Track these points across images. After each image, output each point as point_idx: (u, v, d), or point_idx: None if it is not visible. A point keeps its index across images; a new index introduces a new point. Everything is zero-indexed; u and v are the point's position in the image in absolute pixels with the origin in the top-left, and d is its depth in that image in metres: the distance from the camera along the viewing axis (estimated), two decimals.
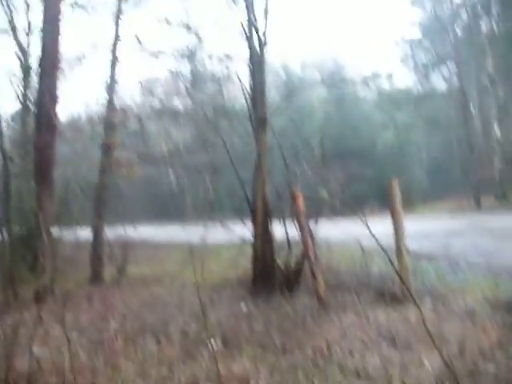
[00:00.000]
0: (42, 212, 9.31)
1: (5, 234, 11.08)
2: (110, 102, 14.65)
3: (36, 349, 5.73)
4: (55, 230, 9.59)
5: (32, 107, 13.64)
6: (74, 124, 14.04)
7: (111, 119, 13.98)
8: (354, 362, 5.98)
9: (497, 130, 35.38)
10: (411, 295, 7.57)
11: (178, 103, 17.28)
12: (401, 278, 8.06)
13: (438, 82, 47.37)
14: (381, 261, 11.61)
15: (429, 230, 18.83)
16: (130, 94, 16.95)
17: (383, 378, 5.37)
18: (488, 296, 8.68)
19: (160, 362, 6.29)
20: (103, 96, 14.82)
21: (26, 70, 19.25)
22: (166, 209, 31.16)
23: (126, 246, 14.10)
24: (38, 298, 8.10)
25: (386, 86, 38.26)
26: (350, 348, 6.56)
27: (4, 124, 14.71)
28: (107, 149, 14.54)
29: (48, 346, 6.42)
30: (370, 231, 6.26)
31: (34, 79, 17.44)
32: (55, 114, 12.24)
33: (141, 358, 6.57)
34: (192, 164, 15.10)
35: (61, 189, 12.44)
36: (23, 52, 19.78)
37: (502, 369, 5.38)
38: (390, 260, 6.83)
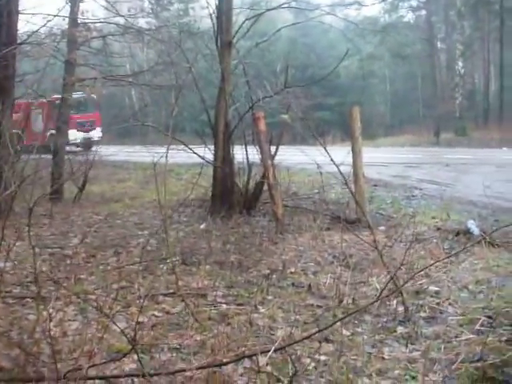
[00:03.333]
0: (1, 128, 9.18)
1: None
2: (73, 18, 14.28)
3: None
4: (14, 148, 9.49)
5: None
6: (35, 39, 13.57)
7: (74, 35, 13.66)
8: (308, 280, 6.24)
9: (461, 65, 35.51)
10: (366, 218, 7.80)
11: (142, 22, 16.98)
12: (357, 202, 8.29)
13: (406, 13, 47.11)
14: (338, 187, 11.91)
15: (388, 160, 19.16)
16: (92, 10, 16.52)
17: (334, 294, 5.62)
18: (438, 223, 9.03)
19: (120, 275, 6.45)
20: (65, 10, 14.40)
21: None
22: (128, 129, 30.94)
23: (87, 164, 14.08)
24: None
25: (353, 14, 37.97)
26: (305, 268, 6.83)
27: None
28: (70, 66, 14.29)
29: (10, 260, 6.51)
30: (330, 157, 6.44)
31: None
32: (15, 28, 11.91)
33: (102, 271, 6.72)
34: (155, 84, 14.89)
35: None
36: None
37: (443, 291, 5.69)
38: (348, 185, 7.06)
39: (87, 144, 29.45)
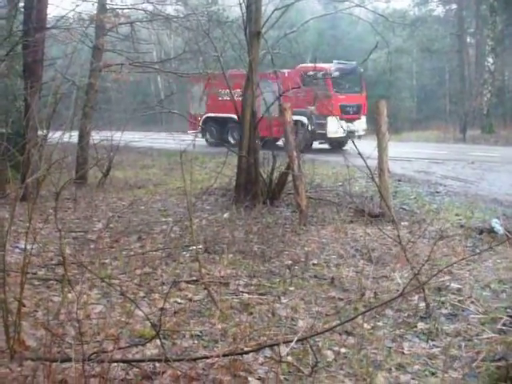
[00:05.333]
0: (29, 112, 9.25)
1: None
2: (102, 3, 14.37)
3: (24, 244, 5.91)
4: (43, 133, 9.59)
5: (20, 5, 13.24)
6: (64, 24, 13.65)
7: (102, 21, 13.75)
8: (330, 273, 6.26)
9: (491, 61, 35.07)
10: (390, 212, 7.80)
11: (170, 9, 17.01)
12: (382, 195, 8.28)
13: (436, 7, 46.59)
14: (362, 181, 11.88)
15: (412, 155, 19.05)
16: None
17: (356, 288, 5.64)
18: (462, 221, 8.98)
19: (144, 261, 6.52)
20: None
21: None
22: (154, 116, 30.98)
23: (112, 150, 14.19)
24: (25, 198, 8.20)
25: (382, 6, 37.65)
26: (327, 260, 6.85)
27: None
28: (98, 52, 14.40)
29: (37, 243, 6.60)
30: (358, 150, 6.44)
31: None
32: (45, 13, 11.99)
33: (125, 257, 6.79)
34: (182, 72, 14.97)
35: (50, 91, 12.32)
36: None
37: (465, 289, 5.67)
38: (373, 178, 7.05)
39: (343, 140, 22.73)
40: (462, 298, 5.36)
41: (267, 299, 5.36)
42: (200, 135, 24.31)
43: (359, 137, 21.94)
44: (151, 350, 4.11)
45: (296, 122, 19.47)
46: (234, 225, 8.45)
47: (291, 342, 3.77)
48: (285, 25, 20.77)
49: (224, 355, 3.77)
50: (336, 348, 4.25)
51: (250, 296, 5.46)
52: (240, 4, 10.81)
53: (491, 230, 7.94)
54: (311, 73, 20.13)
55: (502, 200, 10.94)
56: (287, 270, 6.37)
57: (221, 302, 5.09)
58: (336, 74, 20.80)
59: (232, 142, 22.40)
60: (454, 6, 44.37)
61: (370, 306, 4.92)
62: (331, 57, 32.30)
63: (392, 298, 4.66)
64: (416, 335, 4.59)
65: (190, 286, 5.74)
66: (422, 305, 5.10)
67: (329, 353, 4.18)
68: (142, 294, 5.41)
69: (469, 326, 4.70)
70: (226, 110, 21.07)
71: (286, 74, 20.80)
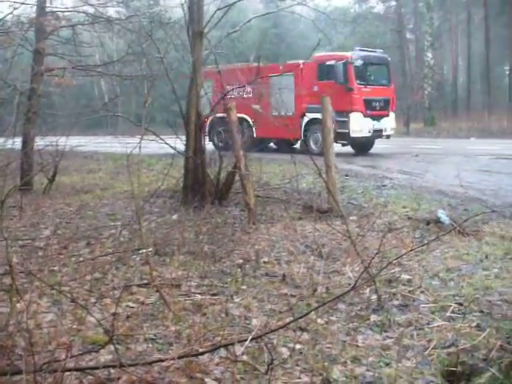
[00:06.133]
0: None
1: None
2: (41, 6, 14.10)
3: None
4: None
5: None
6: (2, 27, 13.35)
7: (42, 24, 13.48)
8: (281, 270, 6.28)
9: (430, 56, 35.80)
10: (338, 208, 7.87)
11: (112, 11, 16.82)
12: (330, 191, 8.35)
13: (376, 4, 47.38)
14: (310, 177, 11.97)
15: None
16: None
17: (308, 283, 5.67)
18: (409, 213, 9.13)
19: (93, 266, 6.42)
20: None
21: None
22: (98, 120, 30.59)
23: (57, 155, 13.95)
24: None
25: (323, 4, 38.10)
26: (278, 257, 6.86)
27: None
28: (39, 56, 14.12)
29: None
30: (303, 147, 6.47)
31: None
32: None
33: (75, 263, 6.68)
34: (126, 75, 14.80)
35: None
36: None
37: (415, 279, 5.77)
38: (321, 175, 7.11)
39: (368, 141, 20.37)
40: (412, 289, 5.46)
41: (220, 299, 5.34)
42: (208, 139, 21.21)
43: (388, 136, 20.57)
44: (105, 356, 4.04)
45: (313, 120, 18.71)
46: (184, 226, 8.39)
47: (246, 340, 3.76)
48: (227, 24, 20.72)
49: (179, 357, 3.73)
50: (291, 345, 4.25)
51: (203, 297, 5.43)
52: (182, 4, 10.76)
53: (438, 221, 8.10)
54: (330, 62, 18.94)
55: (447, 191, 11.18)
56: (238, 269, 6.36)
57: (173, 304, 5.04)
58: (359, 62, 19.01)
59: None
60: (393, 3, 45.25)
61: (322, 301, 4.95)
62: (274, 55, 32.45)
63: (344, 292, 4.70)
64: (369, 327, 4.64)
65: (141, 289, 5.68)
66: (374, 297, 5.16)
67: (284, 350, 4.19)
68: (93, 299, 5.31)
69: (420, 316, 4.79)
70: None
71: (301, 66, 19.74)
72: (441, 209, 8.69)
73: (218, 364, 3.95)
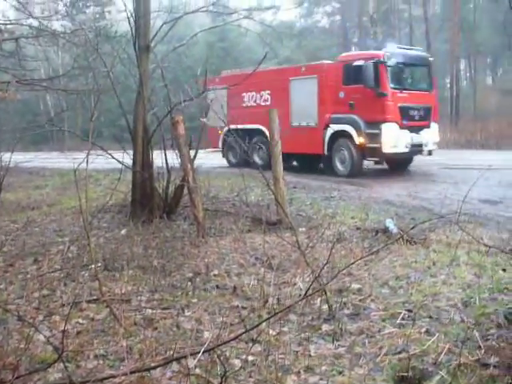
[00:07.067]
0: None
1: None
2: None
3: None
4: None
5: None
6: None
7: None
8: (232, 282, 6.27)
9: None
10: (287, 219, 7.91)
11: (57, 24, 16.59)
12: (279, 203, 8.38)
13: (321, 18, 48.04)
14: (258, 190, 12.01)
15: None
16: (3, 11, 16.07)
17: (259, 295, 5.67)
18: (358, 223, 9.24)
19: (41, 283, 6.31)
20: None
21: None
22: (44, 135, 30.08)
23: (1, 171, 13.65)
24: None
25: (269, 18, 38.43)
26: (228, 270, 6.86)
27: None
28: None
29: None
30: (252, 159, 6.50)
31: None
32: None
33: (22, 280, 6.56)
34: (72, 89, 14.62)
35: None
36: None
37: (365, 288, 5.83)
38: (270, 187, 7.14)
39: (405, 158, 17.36)
40: (362, 297, 5.51)
41: (171, 313, 5.32)
42: (222, 154, 19.51)
43: (429, 152, 17.33)
44: (54, 374, 3.97)
45: (338, 133, 16.79)
46: (133, 241, 8.31)
47: (198, 353, 3.75)
48: (174, 38, 20.69)
49: (131, 372, 3.69)
50: (244, 356, 4.25)
51: (154, 311, 5.39)
52: (128, 18, 10.68)
53: (386, 230, 8.22)
54: (358, 63, 15.95)
55: (394, 201, 11.36)
56: (189, 283, 6.33)
57: (124, 319, 4.98)
58: (394, 62, 15.98)
59: (259, 162, 17.14)
60: (338, 18, 45.91)
61: (273, 312, 4.96)
62: (221, 69, 32.45)
63: (294, 302, 4.72)
64: (321, 337, 4.66)
65: (91, 305, 5.60)
66: (325, 307, 5.19)
67: (237, 361, 4.19)
68: (41, 317, 5.22)
69: (371, 324, 4.84)
70: (250, 119, 17.11)
71: (325, 67, 17.27)
72: (389, 218, 8.81)
73: (170, 378, 3.92)
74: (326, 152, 17.15)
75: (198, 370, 3.95)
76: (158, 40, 10.99)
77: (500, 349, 4.12)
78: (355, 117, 16.18)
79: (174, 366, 4.03)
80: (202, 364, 4.04)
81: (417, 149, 16.57)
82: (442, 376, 3.79)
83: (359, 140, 16.06)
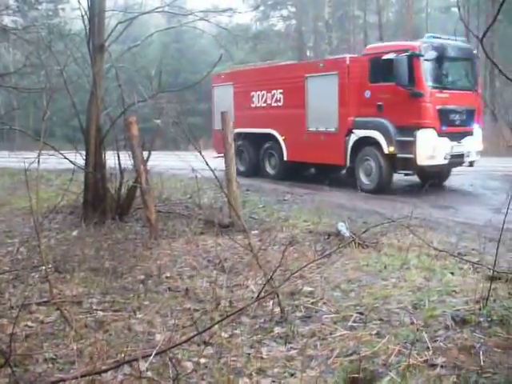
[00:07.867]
0: None
1: None
2: None
3: None
4: None
5: None
6: None
7: None
8: (184, 285, 6.25)
9: None
10: (240, 222, 7.91)
11: (8, 20, 16.28)
12: (232, 205, 8.39)
13: (277, 22, 48.26)
14: (211, 192, 11.99)
15: None
16: None
17: (211, 298, 5.66)
18: (311, 226, 9.30)
19: None
20: None
21: None
22: None
23: None
24: None
25: (225, 20, 38.40)
26: (180, 272, 6.84)
27: None
28: None
29: None
30: (206, 162, 6.50)
31: None
32: None
33: None
34: (23, 87, 14.38)
35: None
36: None
37: (317, 291, 5.87)
38: (223, 189, 7.14)
39: (443, 170, 14.46)
40: (314, 300, 5.55)
41: (122, 315, 5.27)
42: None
43: (471, 163, 14.47)
44: (0, 379, 3.89)
45: (363, 140, 14.06)
46: (84, 242, 8.21)
47: (150, 356, 3.73)
48: (129, 38, 20.50)
49: (82, 376, 3.65)
50: (196, 359, 4.24)
51: (105, 313, 5.33)
52: (82, 16, 10.54)
53: (338, 234, 8.29)
54: (388, 56, 13.15)
55: (347, 204, 11.47)
56: (141, 285, 6.30)
57: (75, 321, 4.93)
58: (432, 55, 13.18)
59: (271, 172, 16.73)
60: (294, 22, 46.18)
61: (225, 314, 4.96)
62: (175, 70, 32.28)
63: (246, 304, 4.73)
64: (273, 339, 4.68)
65: (41, 307, 5.51)
66: (277, 310, 5.20)
67: (189, 364, 4.17)
68: None
69: (323, 326, 4.88)
70: (260, 122, 16.27)
71: (348, 62, 14.48)
72: (341, 222, 8.88)
73: (122, 381, 3.89)
74: (348, 163, 14.63)
75: (149, 373, 3.93)
76: (112, 39, 10.87)
77: (447, 349, 4.21)
78: (384, 121, 13.61)
79: (126, 368, 4.00)
80: (154, 367, 4.02)
81: (457, 160, 13.87)
82: (392, 377, 3.85)
83: (389, 149, 13.45)
